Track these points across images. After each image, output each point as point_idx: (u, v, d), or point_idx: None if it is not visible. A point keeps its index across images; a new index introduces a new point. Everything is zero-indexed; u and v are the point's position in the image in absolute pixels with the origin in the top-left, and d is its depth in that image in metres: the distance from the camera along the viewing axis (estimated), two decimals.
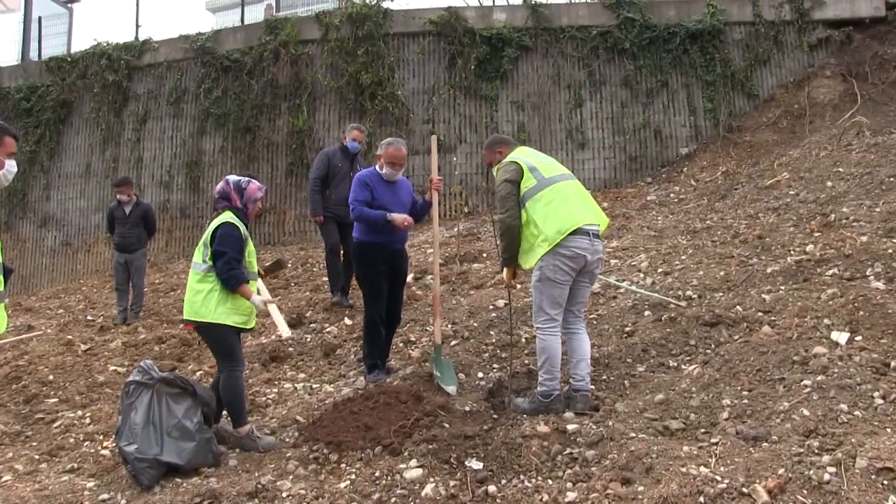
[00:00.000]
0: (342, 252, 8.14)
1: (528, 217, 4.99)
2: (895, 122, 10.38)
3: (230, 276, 4.93)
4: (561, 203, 4.97)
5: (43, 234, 14.44)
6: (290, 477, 4.43)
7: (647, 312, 6.39)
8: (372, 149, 12.34)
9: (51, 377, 7.40)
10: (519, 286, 7.79)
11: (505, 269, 5.33)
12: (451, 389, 5.45)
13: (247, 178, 5.29)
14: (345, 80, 13.05)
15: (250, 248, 5.19)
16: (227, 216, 5.09)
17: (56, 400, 6.80)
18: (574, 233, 4.88)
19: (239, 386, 5.09)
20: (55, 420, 6.25)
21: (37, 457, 5.45)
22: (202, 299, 4.96)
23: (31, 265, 14.37)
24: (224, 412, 5.20)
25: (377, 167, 6.07)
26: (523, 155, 5.23)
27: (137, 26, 15.76)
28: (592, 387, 5.13)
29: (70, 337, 8.87)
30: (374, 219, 5.82)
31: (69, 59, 14.89)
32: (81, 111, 14.60)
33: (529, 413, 4.96)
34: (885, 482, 3.31)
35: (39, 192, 14.57)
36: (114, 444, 4.98)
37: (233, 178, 5.28)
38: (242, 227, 5.09)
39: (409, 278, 8.50)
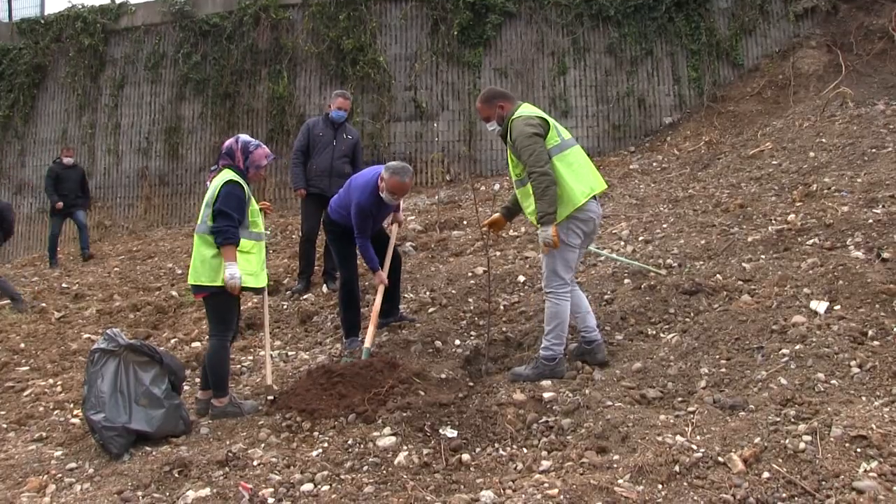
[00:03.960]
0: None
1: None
2: (879, 94, 10.32)
3: (220, 232, 4.75)
4: (583, 166, 4.95)
5: (18, 202, 14.09)
6: (262, 445, 4.37)
7: (626, 280, 6.34)
8: (357, 115, 12.19)
9: (22, 345, 7.29)
10: (498, 253, 7.74)
11: (550, 228, 4.73)
12: None
13: (256, 142, 5.09)
14: (326, 45, 12.81)
15: (254, 207, 5.05)
16: (230, 174, 4.91)
17: (27, 368, 6.70)
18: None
19: (226, 354, 5.01)
20: (25, 388, 6.16)
21: (4, 425, 5.37)
22: (218, 263, 4.79)
23: None
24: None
25: (379, 187, 5.74)
26: (540, 111, 5.01)
27: None
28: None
29: (44, 304, 8.73)
30: (368, 261, 5.88)
31: (42, 22, 14.49)
32: (56, 76, 14.28)
33: (533, 379, 4.83)
34: (859, 450, 3.29)
35: (14, 159, 14.30)
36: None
37: (244, 137, 5.08)
38: (246, 187, 4.95)
39: None
